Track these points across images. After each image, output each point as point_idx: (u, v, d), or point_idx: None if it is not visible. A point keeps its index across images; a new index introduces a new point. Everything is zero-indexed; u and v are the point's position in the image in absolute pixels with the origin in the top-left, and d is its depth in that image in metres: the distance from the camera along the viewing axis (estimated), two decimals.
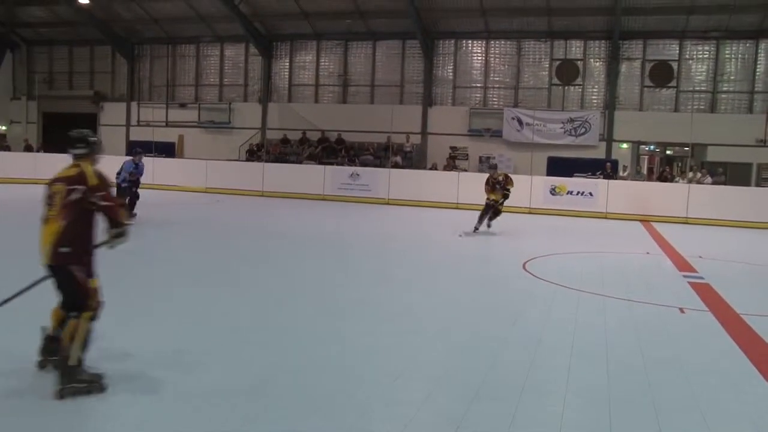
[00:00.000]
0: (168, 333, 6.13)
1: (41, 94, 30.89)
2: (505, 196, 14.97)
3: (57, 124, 31.18)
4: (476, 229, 14.62)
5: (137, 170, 15.53)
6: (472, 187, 17.91)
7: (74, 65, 31.59)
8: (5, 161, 25.01)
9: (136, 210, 15.17)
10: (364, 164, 24.04)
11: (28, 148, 27.47)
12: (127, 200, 14.87)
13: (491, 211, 14.84)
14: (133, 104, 30.32)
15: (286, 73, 28.23)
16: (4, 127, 31.42)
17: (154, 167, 21.37)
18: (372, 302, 7.72)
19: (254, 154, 26.52)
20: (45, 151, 25.32)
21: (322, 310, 7.23)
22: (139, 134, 29.20)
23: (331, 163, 24.21)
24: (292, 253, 11.50)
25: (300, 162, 25.15)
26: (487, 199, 14.77)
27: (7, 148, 28.04)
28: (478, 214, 14.85)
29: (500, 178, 14.96)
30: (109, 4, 27.76)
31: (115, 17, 28.86)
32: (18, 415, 4.13)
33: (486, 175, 15.34)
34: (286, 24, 27.28)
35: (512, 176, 15.62)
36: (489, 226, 14.95)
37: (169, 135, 28.34)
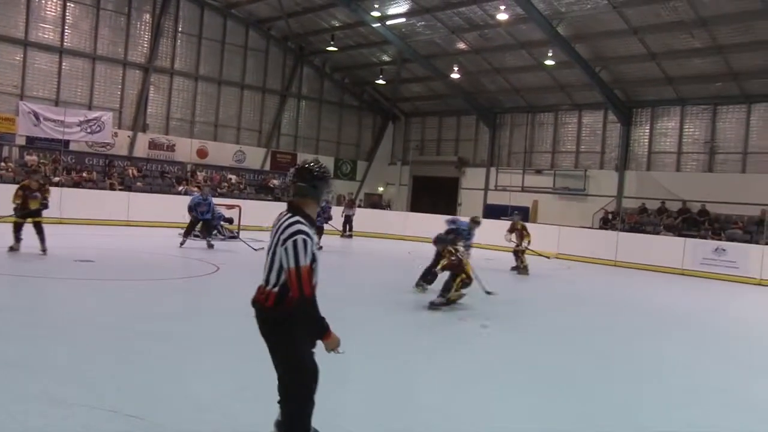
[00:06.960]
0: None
1: (413, 160, 34.52)
2: None
3: (423, 187, 34.62)
4: None
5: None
6: None
7: (442, 133, 34.79)
8: (383, 218, 28.64)
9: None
10: (731, 239, 21.90)
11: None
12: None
13: None
14: (492, 169, 32.11)
15: (646, 141, 27.26)
16: (381, 189, 35.75)
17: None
18: (736, 391, 6.99)
19: (608, 222, 25.99)
20: (412, 211, 28.21)
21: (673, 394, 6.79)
22: (496, 198, 30.78)
23: (693, 236, 22.54)
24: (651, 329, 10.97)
25: (657, 233, 23.92)
26: None
27: (387, 207, 32.54)
28: None
29: None
30: (477, 77, 30.10)
31: (481, 89, 31.14)
32: None
33: None
34: (648, 90, 26.48)
35: None
36: None
37: (524, 200, 29.28)
